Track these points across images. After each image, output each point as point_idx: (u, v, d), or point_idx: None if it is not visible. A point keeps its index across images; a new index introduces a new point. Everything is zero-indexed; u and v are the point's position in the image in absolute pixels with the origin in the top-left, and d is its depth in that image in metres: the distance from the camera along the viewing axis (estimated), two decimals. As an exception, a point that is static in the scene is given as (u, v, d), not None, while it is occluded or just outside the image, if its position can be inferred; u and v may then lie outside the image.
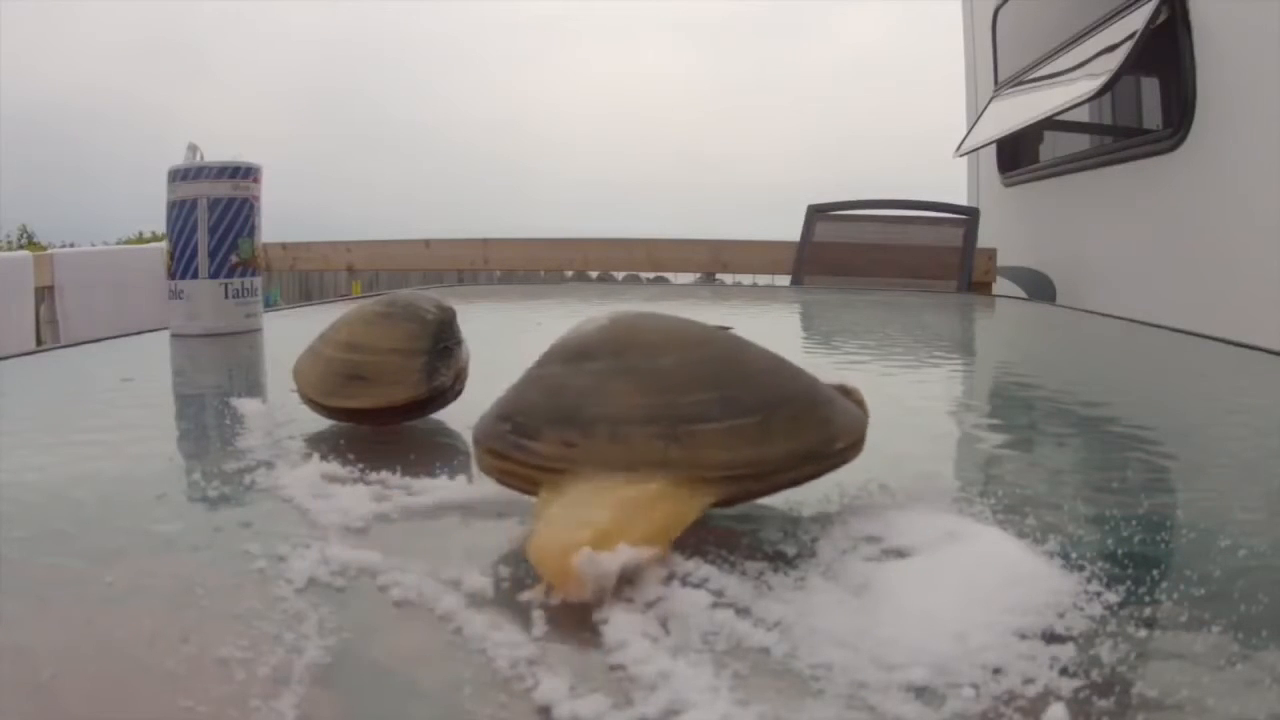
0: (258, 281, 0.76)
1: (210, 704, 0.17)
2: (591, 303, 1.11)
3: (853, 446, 0.28)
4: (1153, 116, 2.18)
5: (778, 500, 0.29)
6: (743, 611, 0.21)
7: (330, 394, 0.37)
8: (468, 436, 0.38)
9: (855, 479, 0.31)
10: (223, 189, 0.73)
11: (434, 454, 0.36)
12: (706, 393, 0.26)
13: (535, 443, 0.26)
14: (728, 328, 0.32)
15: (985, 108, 2.95)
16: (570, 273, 2.99)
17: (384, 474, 0.31)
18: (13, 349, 0.67)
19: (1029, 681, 0.18)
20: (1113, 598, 0.22)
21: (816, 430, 0.27)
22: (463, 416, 0.40)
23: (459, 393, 0.39)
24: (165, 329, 0.76)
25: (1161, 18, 1.88)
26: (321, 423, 0.39)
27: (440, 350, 0.38)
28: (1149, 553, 0.26)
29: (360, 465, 0.32)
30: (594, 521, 0.23)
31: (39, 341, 2.44)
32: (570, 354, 0.27)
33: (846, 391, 0.29)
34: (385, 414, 0.37)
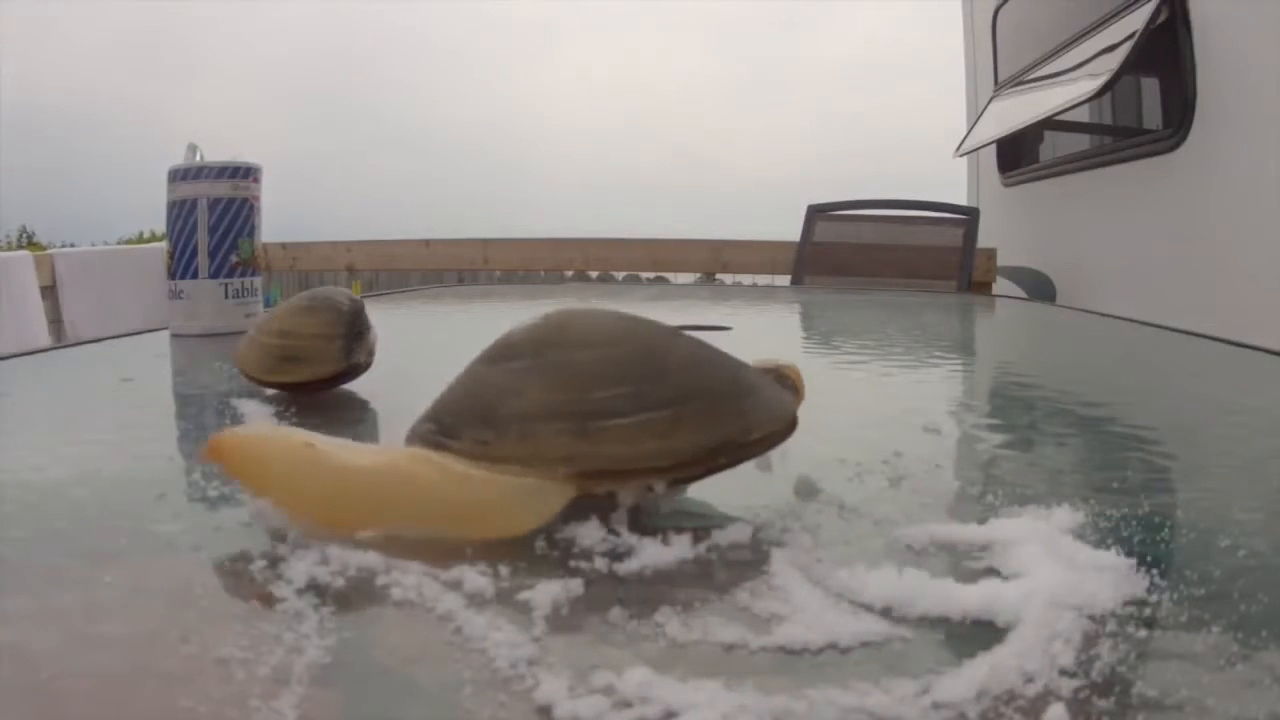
0: (258, 281, 0.76)
1: (210, 704, 0.17)
2: (591, 303, 1.11)
3: (771, 436, 0.28)
4: (1153, 116, 2.18)
5: (776, 499, 0.29)
6: (743, 611, 0.22)
7: (268, 371, 0.45)
8: (374, 403, 0.46)
9: (855, 479, 0.31)
10: (222, 189, 0.73)
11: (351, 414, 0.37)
12: (619, 388, 0.26)
13: (455, 442, 0.27)
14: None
15: (985, 108, 2.95)
16: (570, 273, 2.99)
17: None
18: (24, 346, 0.67)
19: (1029, 681, 0.18)
20: (1113, 598, 0.22)
21: (731, 422, 0.27)
22: (368, 386, 0.48)
23: (368, 367, 0.48)
24: (165, 329, 0.76)
25: (1161, 18, 1.88)
26: (318, 418, 0.40)
27: (355, 334, 0.47)
28: (1149, 553, 0.26)
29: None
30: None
31: (57, 337, 2.43)
32: (495, 354, 0.28)
33: (781, 375, 0.29)
34: (312, 386, 0.46)
